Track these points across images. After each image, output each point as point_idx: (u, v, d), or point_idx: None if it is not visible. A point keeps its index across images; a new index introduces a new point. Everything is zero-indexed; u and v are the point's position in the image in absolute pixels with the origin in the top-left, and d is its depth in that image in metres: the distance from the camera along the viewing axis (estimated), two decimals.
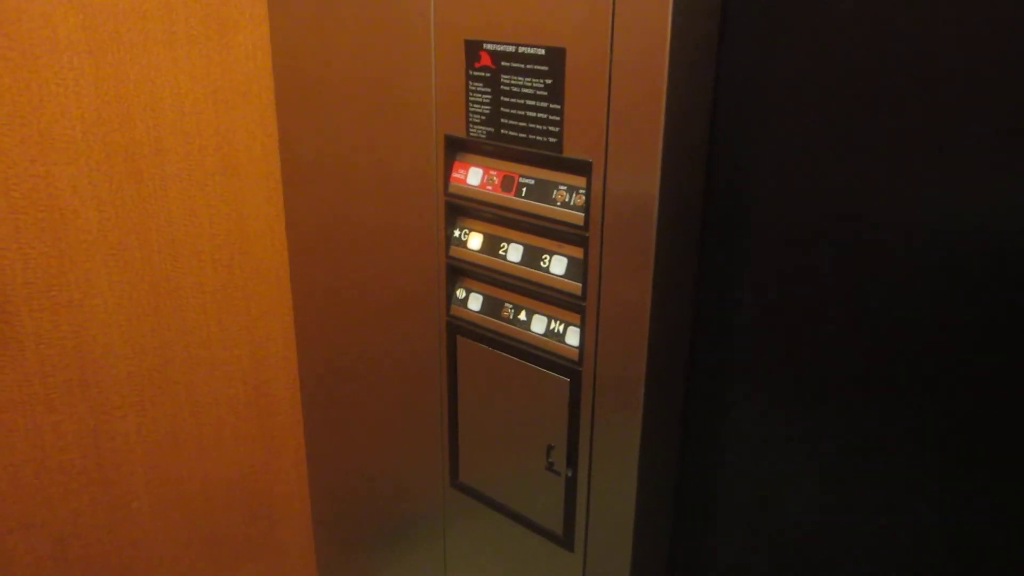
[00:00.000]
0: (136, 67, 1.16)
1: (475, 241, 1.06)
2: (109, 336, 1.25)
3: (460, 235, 1.08)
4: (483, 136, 1.00)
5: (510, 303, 1.05)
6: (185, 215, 1.27)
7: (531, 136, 0.95)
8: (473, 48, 0.97)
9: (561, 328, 1.00)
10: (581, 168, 0.91)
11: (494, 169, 1.01)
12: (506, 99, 0.95)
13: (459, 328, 1.11)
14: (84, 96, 1.13)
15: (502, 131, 0.97)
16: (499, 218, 1.03)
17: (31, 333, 1.17)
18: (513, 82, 0.94)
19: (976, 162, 0.76)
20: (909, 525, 0.90)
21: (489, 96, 0.97)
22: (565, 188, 0.94)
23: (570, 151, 0.92)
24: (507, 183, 1.00)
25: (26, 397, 1.19)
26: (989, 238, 0.77)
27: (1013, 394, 0.79)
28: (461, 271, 1.09)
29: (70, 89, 1.12)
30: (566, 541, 1.07)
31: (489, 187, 1.02)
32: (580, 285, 0.95)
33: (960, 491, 0.86)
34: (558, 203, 0.95)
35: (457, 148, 1.04)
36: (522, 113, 0.94)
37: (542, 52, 0.90)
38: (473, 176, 1.03)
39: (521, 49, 0.92)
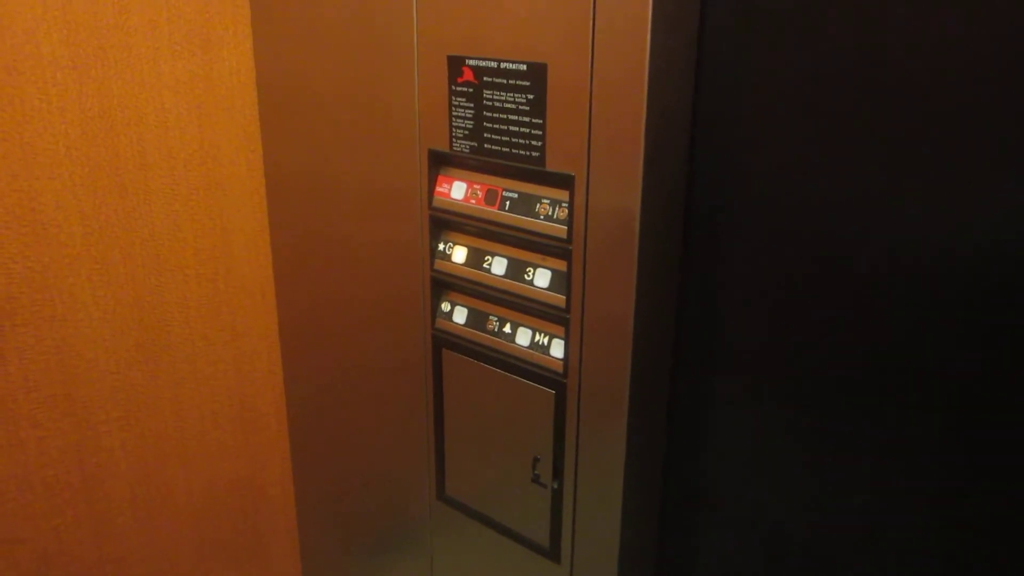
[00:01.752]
0: (120, 82, 1.16)
1: (459, 254, 1.06)
2: (93, 351, 1.24)
3: (444, 249, 1.08)
4: (466, 150, 1.00)
5: (495, 316, 1.05)
6: (169, 230, 1.27)
7: (514, 150, 0.95)
8: (456, 64, 0.97)
9: (546, 340, 1.00)
10: (564, 182, 0.92)
11: (478, 183, 1.02)
12: (489, 114, 0.96)
13: (444, 341, 1.11)
14: (68, 111, 1.13)
15: (485, 145, 0.98)
16: (483, 232, 1.03)
17: (14, 348, 1.17)
18: (496, 97, 0.95)
19: (945, 169, 0.77)
20: (898, 521, 0.91)
21: (472, 111, 0.98)
22: (548, 202, 0.95)
23: (553, 165, 0.92)
24: (491, 197, 1.00)
25: (9, 412, 1.18)
26: (968, 242, 0.78)
27: (1000, 389, 0.80)
28: (446, 284, 1.10)
29: (54, 104, 1.11)
30: (552, 553, 1.07)
31: (473, 201, 1.02)
32: (564, 298, 0.96)
33: (951, 486, 0.86)
34: (541, 216, 0.96)
35: (441, 162, 1.05)
36: (505, 128, 0.95)
37: (524, 68, 0.91)
38: (457, 190, 1.04)
39: (503, 65, 0.93)
